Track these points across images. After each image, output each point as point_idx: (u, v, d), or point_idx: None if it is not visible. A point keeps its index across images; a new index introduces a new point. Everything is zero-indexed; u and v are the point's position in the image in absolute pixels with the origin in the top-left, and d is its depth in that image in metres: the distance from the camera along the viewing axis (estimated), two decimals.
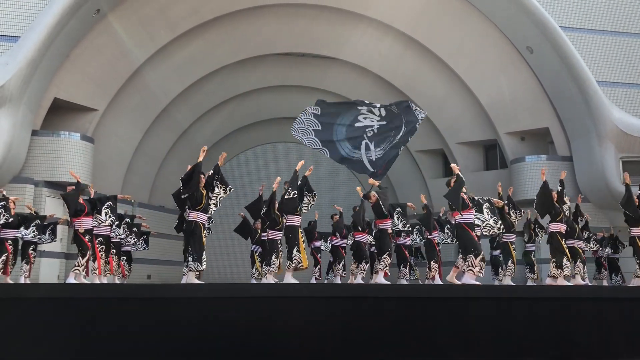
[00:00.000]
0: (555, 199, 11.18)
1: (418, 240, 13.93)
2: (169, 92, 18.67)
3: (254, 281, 13.82)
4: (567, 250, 11.10)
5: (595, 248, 14.36)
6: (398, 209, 12.45)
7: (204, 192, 9.60)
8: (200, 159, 9.62)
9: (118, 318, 7.58)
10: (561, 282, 10.82)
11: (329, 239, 14.24)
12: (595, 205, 17.10)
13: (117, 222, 12.08)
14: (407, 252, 13.70)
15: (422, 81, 19.28)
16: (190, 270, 9.49)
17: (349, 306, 8.07)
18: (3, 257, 11.23)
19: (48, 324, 7.39)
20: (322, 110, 11.94)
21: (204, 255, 9.58)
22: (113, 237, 12.09)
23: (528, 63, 17.73)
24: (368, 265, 12.44)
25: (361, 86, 20.20)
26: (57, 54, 14.91)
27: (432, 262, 13.08)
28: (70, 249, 15.36)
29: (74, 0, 14.14)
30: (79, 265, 10.24)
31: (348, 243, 13.39)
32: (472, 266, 9.41)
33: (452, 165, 10.11)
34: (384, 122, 11.93)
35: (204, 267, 9.51)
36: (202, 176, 9.71)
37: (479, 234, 10.33)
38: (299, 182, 11.14)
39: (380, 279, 10.89)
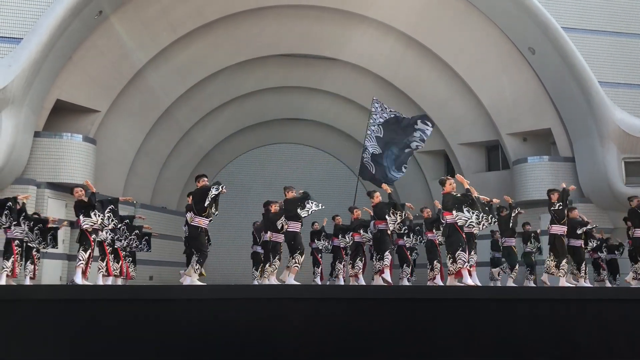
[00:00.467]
0: (557, 199, 11.17)
1: (416, 241, 13.90)
2: (171, 94, 18.71)
3: (256, 282, 13.83)
4: (567, 252, 11.15)
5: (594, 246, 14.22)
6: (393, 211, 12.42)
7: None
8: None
9: (119, 319, 7.59)
10: (563, 283, 10.83)
11: (329, 239, 14.23)
12: (597, 206, 17.06)
13: (119, 225, 12.08)
14: (408, 253, 13.69)
15: (424, 82, 19.28)
16: (194, 272, 9.56)
17: (350, 307, 8.07)
18: (11, 260, 11.27)
19: (49, 325, 7.41)
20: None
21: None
22: (113, 238, 12.13)
23: (530, 64, 17.72)
24: (363, 263, 12.46)
25: (362, 87, 20.22)
26: (59, 56, 14.95)
27: (434, 262, 13.05)
28: (72, 250, 15.39)
29: (76, 2, 14.19)
30: (82, 260, 10.25)
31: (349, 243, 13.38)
32: (463, 263, 9.60)
33: (458, 176, 10.45)
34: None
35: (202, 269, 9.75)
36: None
37: (476, 232, 10.38)
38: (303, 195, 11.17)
39: (386, 276, 10.92)
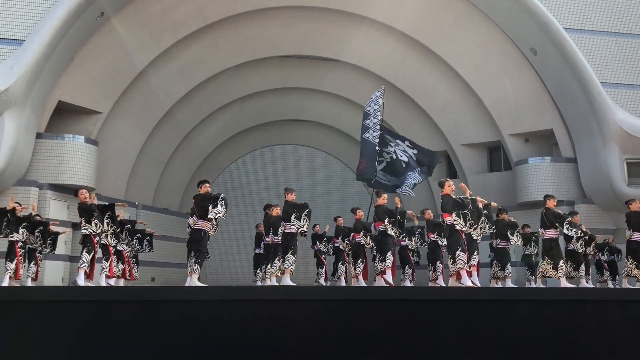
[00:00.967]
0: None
1: (418, 244, 13.90)
2: (173, 95, 18.73)
3: (259, 283, 13.85)
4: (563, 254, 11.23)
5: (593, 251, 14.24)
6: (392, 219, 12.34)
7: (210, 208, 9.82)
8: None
9: (121, 320, 7.60)
10: (564, 283, 10.82)
11: (331, 241, 14.24)
12: (599, 206, 17.03)
13: (118, 230, 12.10)
14: (410, 255, 13.68)
15: (425, 83, 19.27)
16: (194, 272, 9.58)
17: (351, 308, 8.07)
18: (15, 262, 11.31)
19: (50, 326, 7.42)
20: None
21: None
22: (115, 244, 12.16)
23: (532, 64, 17.70)
24: (363, 264, 12.44)
25: (363, 88, 20.21)
26: (61, 57, 14.98)
27: (437, 263, 13.05)
28: (74, 252, 15.41)
29: (77, 3, 14.21)
30: (85, 262, 10.28)
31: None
32: (463, 264, 9.65)
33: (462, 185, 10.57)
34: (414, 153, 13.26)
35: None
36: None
37: (475, 237, 10.44)
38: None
39: (388, 277, 10.92)
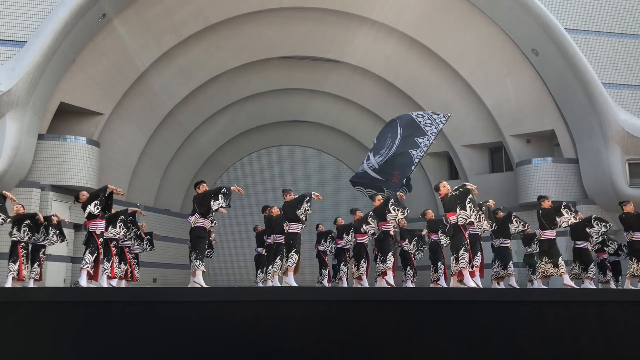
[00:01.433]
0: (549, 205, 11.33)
1: (418, 248, 13.88)
2: (174, 96, 18.76)
3: (260, 284, 13.84)
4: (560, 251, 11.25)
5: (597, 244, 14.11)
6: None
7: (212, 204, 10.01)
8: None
9: (122, 321, 7.60)
10: (567, 280, 10.79)
11: (334, 241, 14.20)
12: (601, 207, 17.00)
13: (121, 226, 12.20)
14: (412, 256, 13.67)
15: (426, 83, 19.28)
16: (197, 269, 9.66)
17: (353, 309, 8.07)
18: (18, 263, 11.33)
19: (51, 327, 7.42)
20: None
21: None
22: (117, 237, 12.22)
23: (533, 65, 17.70)
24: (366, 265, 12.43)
25: (364, 88, 20.24)
26: (63, 59, 15.00)
27: (438, 264, 13.04)
28: (77, 253, 15.43)
29: (79, 5, 14.23)
30: (88, 263, 10.30)
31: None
32: (466, 264, 9.63)
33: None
34: (382, 133, 12.66)
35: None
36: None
37: (479, 232, 10.43)
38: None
39: (389, 278, 10.92)
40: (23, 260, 11.51)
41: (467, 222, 10.01)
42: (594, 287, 12.18)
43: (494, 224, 11.74)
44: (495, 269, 12.79)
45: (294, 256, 10.83)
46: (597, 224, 11.82)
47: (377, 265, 11.43)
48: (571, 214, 11.07)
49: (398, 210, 11.12)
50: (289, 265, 10.84)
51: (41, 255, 12.22)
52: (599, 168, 16.71)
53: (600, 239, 12.85)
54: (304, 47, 18.99)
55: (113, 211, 11.27)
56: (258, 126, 22.38)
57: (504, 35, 17.61)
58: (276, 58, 19.41)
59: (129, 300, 7.87)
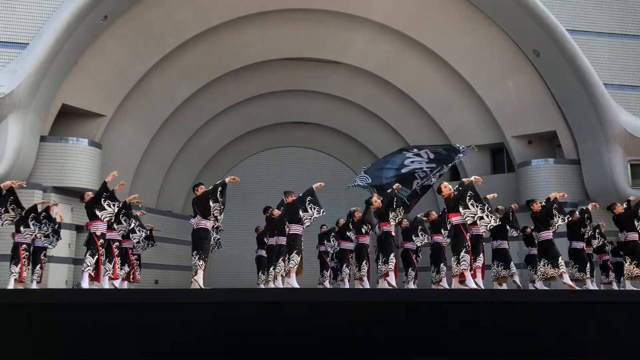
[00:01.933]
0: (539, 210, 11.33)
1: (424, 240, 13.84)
2: (176, 98, 18.79)
3: (262, 286, 13.84)
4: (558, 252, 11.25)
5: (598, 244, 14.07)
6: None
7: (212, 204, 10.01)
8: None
9: (123, 322, 7.62)
10: (567, 279, 10.78)
11: (337, 242, 14.19)
12: (603, 208, 16.98)
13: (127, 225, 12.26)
14: (414, 256, 13.66)
15: (428, 84, 19.29)
16: (199, 269, 9.70)
17: (354, 311, 8.08)
18: (19, 265, 11.36)
19: (51, 328, 7.44)
20: (370, 167, 13.53)
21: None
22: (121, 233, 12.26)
23: (535, 66, 17.70)
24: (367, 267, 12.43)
25: (366, 90, 20.24)
26: (65, 61, 15.04)
27: (440, 265, 13.03)
28: (78, 254, 15.45)
29: (81, 7, 14.28)
30: (89, 265, 10.33)
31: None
32: (467, 265, 9.62)
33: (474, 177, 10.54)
34: (434, 165, 13.41)
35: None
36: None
37: (482, 232, 10.39)
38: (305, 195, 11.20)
39: (391, 279, 10.92)
40: (24, 262, 11.55)
41: (474, 220, 9.94)
42: (595, 287, 12.18)
43: (497, 218, 11.61)
44: (495, 269, 12.78)
45: (295, 257, 10.85)
46: (561, 217, 11.61)
47: (379, 266, 11.42)
48: (559, 217, 11.09)
49: (398, 209, 11.18)
50: (290, 267, 10.85)
51: (42, 257, 12.24)
52: (600, 169, 16.70)
53: (598, 239, 12.91)
54: (305, 49, 19.01)
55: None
56: (259, 127, 22.40)
57: (505, 36, 17.62)
58: (277, 59, 19.42)
59: (129, 301, 7.89)
